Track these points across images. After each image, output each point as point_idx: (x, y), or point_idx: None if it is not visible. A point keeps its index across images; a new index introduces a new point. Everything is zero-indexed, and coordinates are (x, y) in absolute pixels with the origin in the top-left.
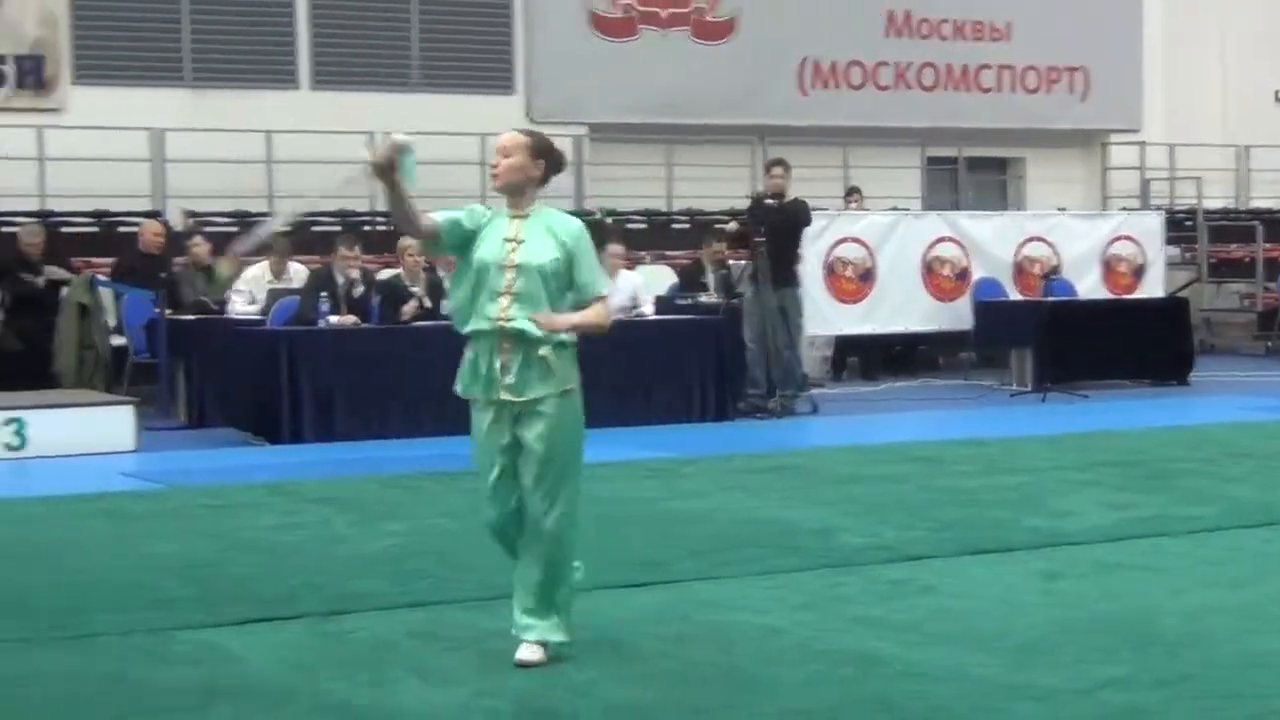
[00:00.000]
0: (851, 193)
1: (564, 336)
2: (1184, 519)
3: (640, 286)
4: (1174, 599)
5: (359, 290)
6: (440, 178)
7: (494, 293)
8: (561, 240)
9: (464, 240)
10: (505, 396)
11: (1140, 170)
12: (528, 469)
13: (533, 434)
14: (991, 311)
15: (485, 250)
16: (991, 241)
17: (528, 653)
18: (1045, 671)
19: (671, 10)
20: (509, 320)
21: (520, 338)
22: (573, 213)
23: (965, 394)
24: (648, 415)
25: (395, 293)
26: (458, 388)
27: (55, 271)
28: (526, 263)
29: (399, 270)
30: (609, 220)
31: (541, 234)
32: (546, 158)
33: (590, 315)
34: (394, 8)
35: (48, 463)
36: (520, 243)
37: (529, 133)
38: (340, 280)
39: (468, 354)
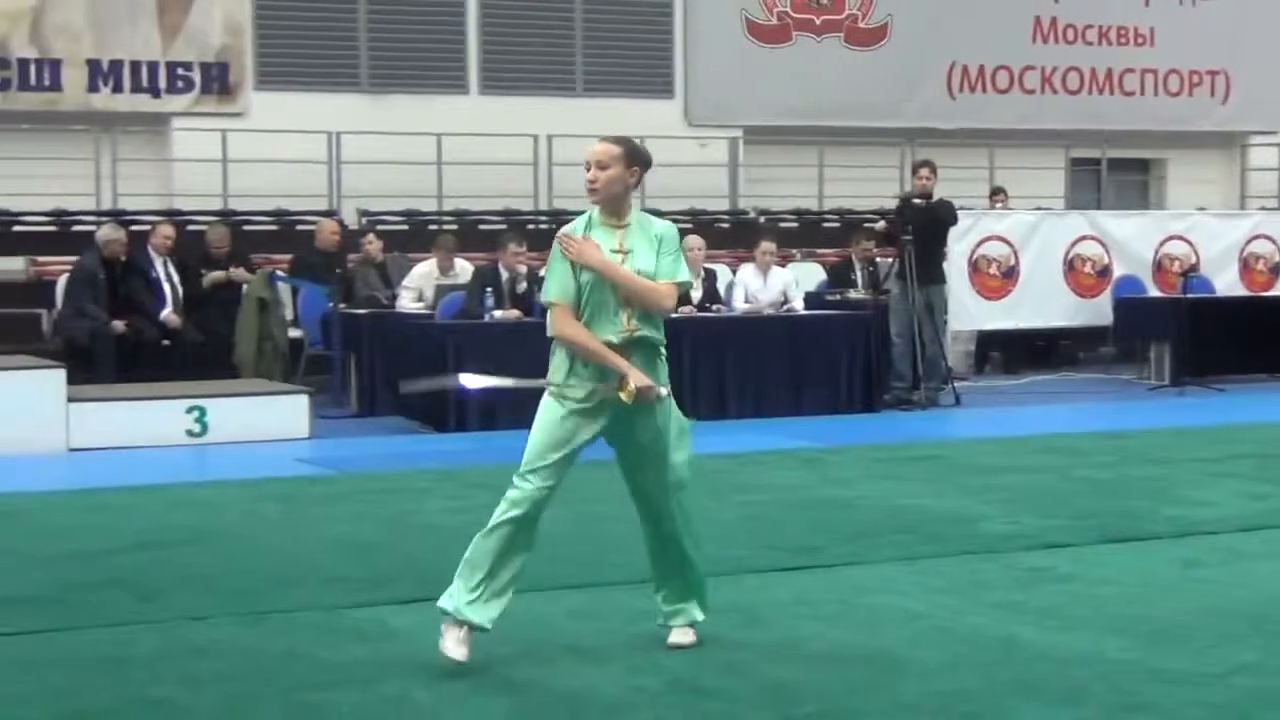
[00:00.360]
0: (997, 193)
1: (661, 337)
2: None
3: (791, 283)
4: None
5: (522, 286)
6: None
7: (614, 305)
8: (657, 236)
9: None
10: (624, 398)
11: (1279, 171)
12: (651, 469)
13: (648, 435)
14: (1131, 307)
15: None
16: (1132, 240)
17: (681, 636)
18: (1180, 656)
19: (825, 18)
20: (635, 331)
21: (642, 344)
22: (726, 212)
23: (1105, 387)
24: (798, 407)
25: None
26: (556, 385)
27: (239, 274)
28: (639, 272)
29: None
30: (761, 219)
31: (643, 241)
32: (640, 163)
33: (647, 282)
34: (560, 17)
35: (227, 448)
36: (628, 253)
37: (619, 140)
38: (504, 276)
39: (569, 354)
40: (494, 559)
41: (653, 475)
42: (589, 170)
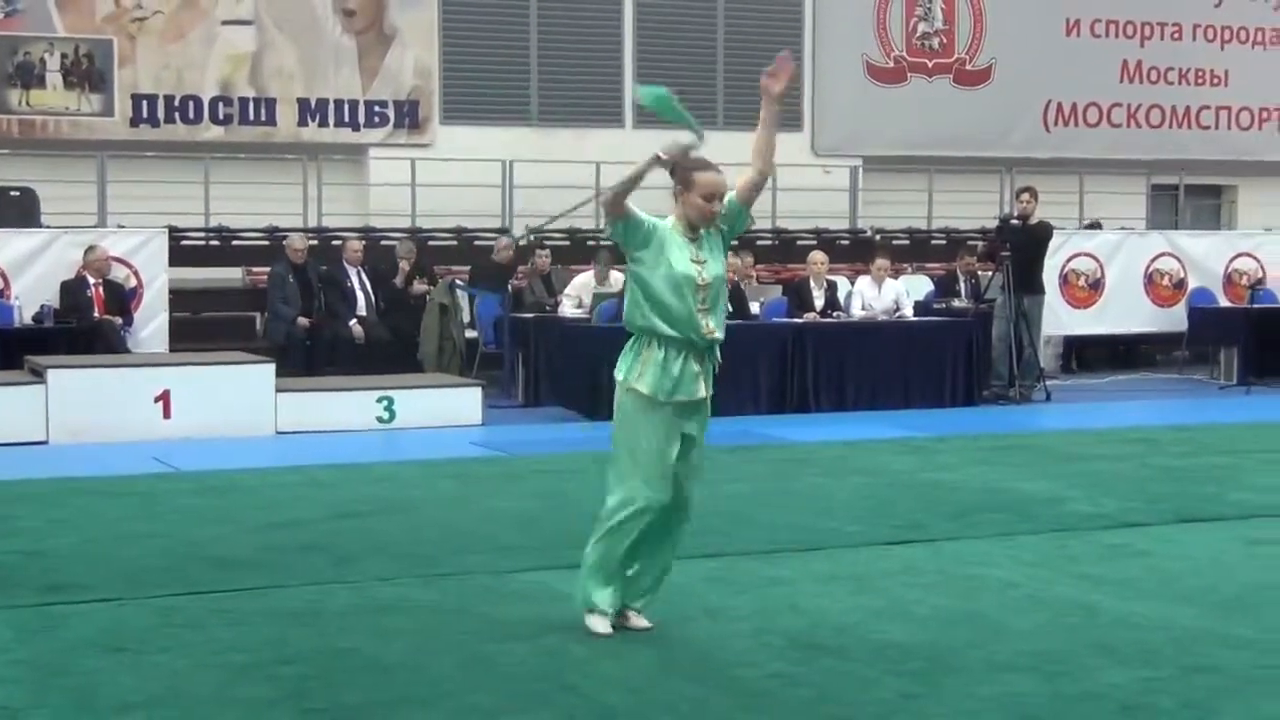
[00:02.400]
0: (1093, 226)
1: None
2: None
3: (902, 292)
4: None
5: None
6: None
7: (695, 308)
8: (720, 232)
9: (640, 239)
10: (701, 395)
11: None
12: (694, 454)
13: (698, 425)
14: (1204, 316)
15: (680, 266)
16: (1205, 256)
17: (641, 620)
18: (1244, 624)
19: (937, 60)
20: (714, 333)
21: (715, 346)
22: (846, 231)
23: (1179, 387)
24: (907, 401)
25: None
26: (647, 388)
27: (419, 288)
28: (715, 278)
29: None
30: (877, 237)
31: (711, 248)
32: None
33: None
34: (703, 59)
35: (411, 433)
36: (703, 263)
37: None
38: None
39: (656, 357)
40: (653, 558)
41: (696, 457)
42: (715, 202)
